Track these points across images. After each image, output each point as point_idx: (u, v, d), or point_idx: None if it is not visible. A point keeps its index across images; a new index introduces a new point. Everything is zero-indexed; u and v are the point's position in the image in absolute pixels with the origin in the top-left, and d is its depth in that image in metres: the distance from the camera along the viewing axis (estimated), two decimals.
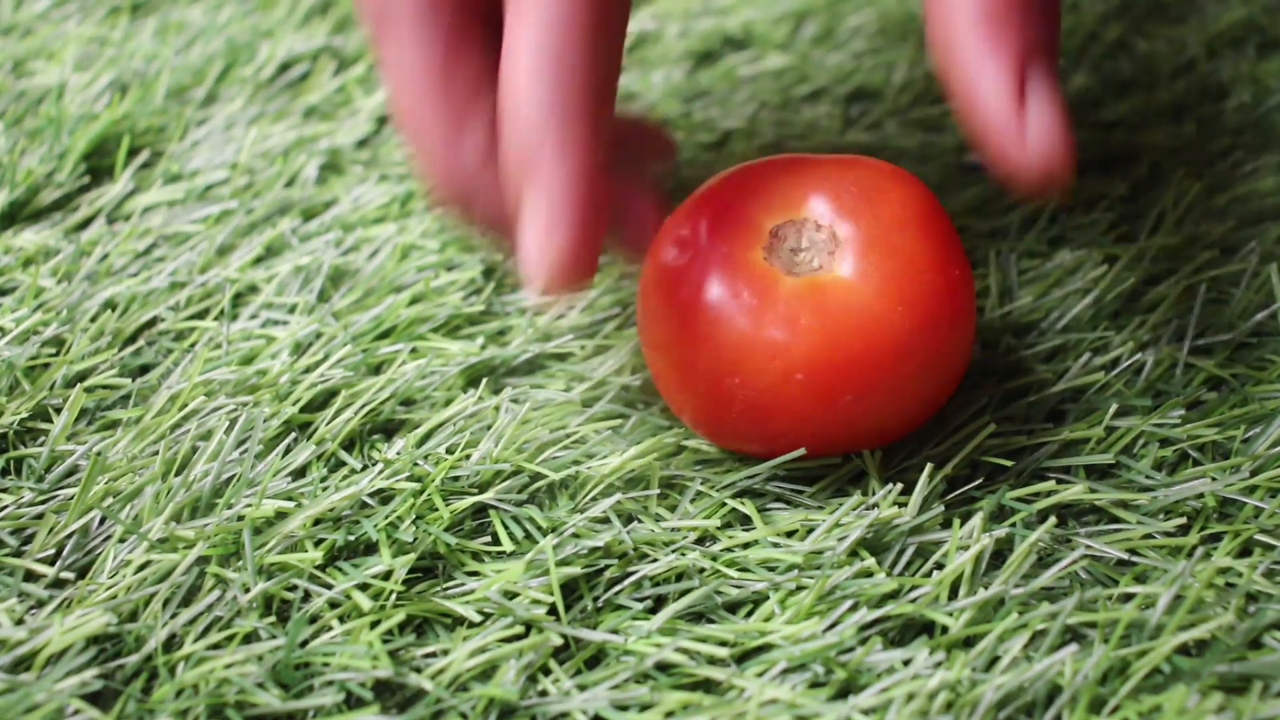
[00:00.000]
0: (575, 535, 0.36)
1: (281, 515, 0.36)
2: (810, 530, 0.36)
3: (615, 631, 0.34)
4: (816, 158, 0.38)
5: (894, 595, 0.34)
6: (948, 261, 0.36)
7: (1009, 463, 0.37)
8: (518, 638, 0.34)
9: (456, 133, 0.37)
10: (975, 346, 0.40)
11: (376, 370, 0.41)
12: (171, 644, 0.34)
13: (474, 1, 0.38)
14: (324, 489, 0.37)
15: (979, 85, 0.34)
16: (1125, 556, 0.35)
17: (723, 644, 0.33)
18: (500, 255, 0.44)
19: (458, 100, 0.37)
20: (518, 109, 0.34)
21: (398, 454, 0.38)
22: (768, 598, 0.34)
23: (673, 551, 0.35)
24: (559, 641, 0.33)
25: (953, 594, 0.34)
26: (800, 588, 0.34)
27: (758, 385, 0.35)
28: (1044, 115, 0.34)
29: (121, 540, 0.36)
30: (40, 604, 0.35)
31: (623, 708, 0.32)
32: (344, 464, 0.38)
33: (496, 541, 0.36)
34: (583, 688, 0.33)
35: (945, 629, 0.33)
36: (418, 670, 0.33)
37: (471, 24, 0.37)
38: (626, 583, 0.35)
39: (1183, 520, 0.36)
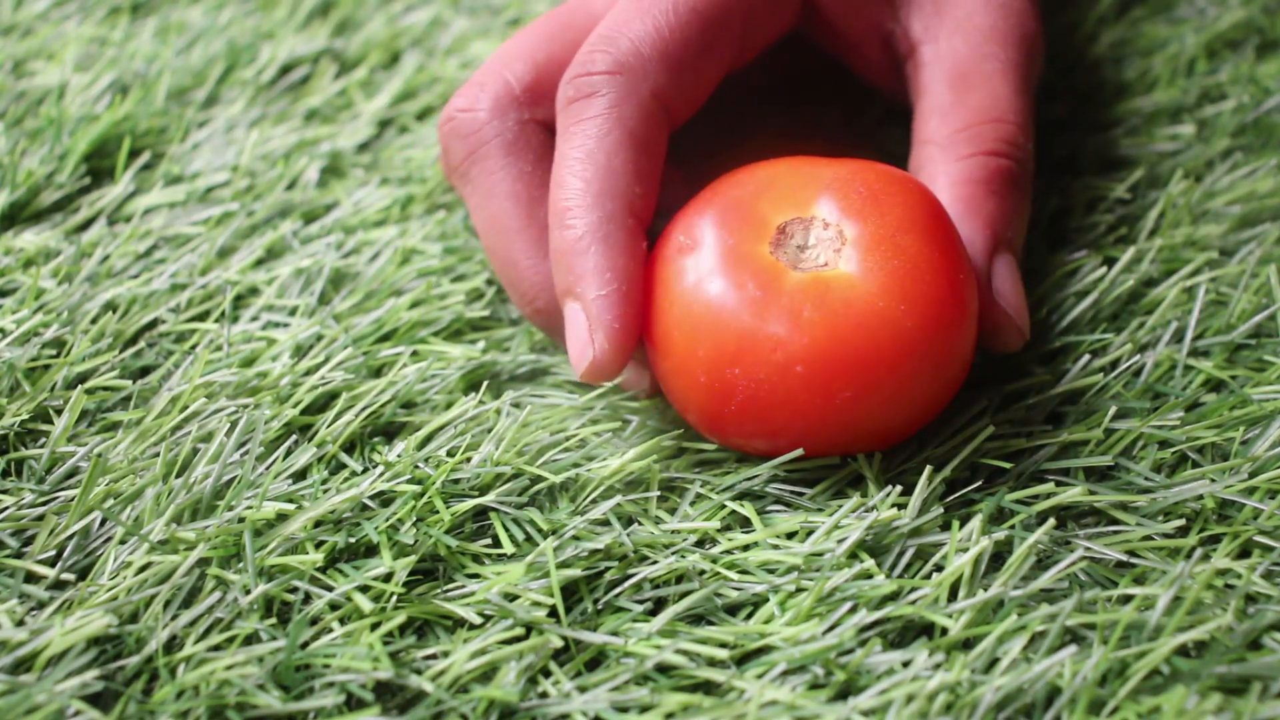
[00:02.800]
0: (575, 537, 0.36)
1: (282, 517, 0.36)
2: (810, 532, 0.36)
3: (615, 633, 0.34)
4: (826, 160, 0.38)
5: (893, 597, 0.34)
6: (952, 266, 0.36)
7: (1008, 465, 0.37)
8: (518, 639, 0.34)
9: (543, 252, 0.39)
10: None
11: (377, 373, 0.41)
12: (172, 645, 0.34)
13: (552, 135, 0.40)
14: (325, 491, 0.37)
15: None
16: (1124, 558, 0.35)
17: (723, 646, 0.33)
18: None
19: (544, 223, 0.39)
20: (565, 214, 0.37)
21: (398, 456, 0.38)
22: (767, 600, 0.34)
23: (673, 554, 0.35)
24: (559, 643, 0.33)
25: (952, 596, 0.34)
26: (800, 590, 0.34)
27: (757, 376, 0.35)
28: (1007, 285, 0.39)
29: (122, 542, 0.36)
30: (41, 605, 0.35)
31: (623, 709, 0.32)
32: (345, 466, 0.38)
33: (497, 544, 0.36)
34: (583, 689, 0.33)
35: (945, 630, 0.33)
36: (418, 672, 0.33)
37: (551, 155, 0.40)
38: (627, 585, 0.35)
39: (1182, 522, 0.36)
